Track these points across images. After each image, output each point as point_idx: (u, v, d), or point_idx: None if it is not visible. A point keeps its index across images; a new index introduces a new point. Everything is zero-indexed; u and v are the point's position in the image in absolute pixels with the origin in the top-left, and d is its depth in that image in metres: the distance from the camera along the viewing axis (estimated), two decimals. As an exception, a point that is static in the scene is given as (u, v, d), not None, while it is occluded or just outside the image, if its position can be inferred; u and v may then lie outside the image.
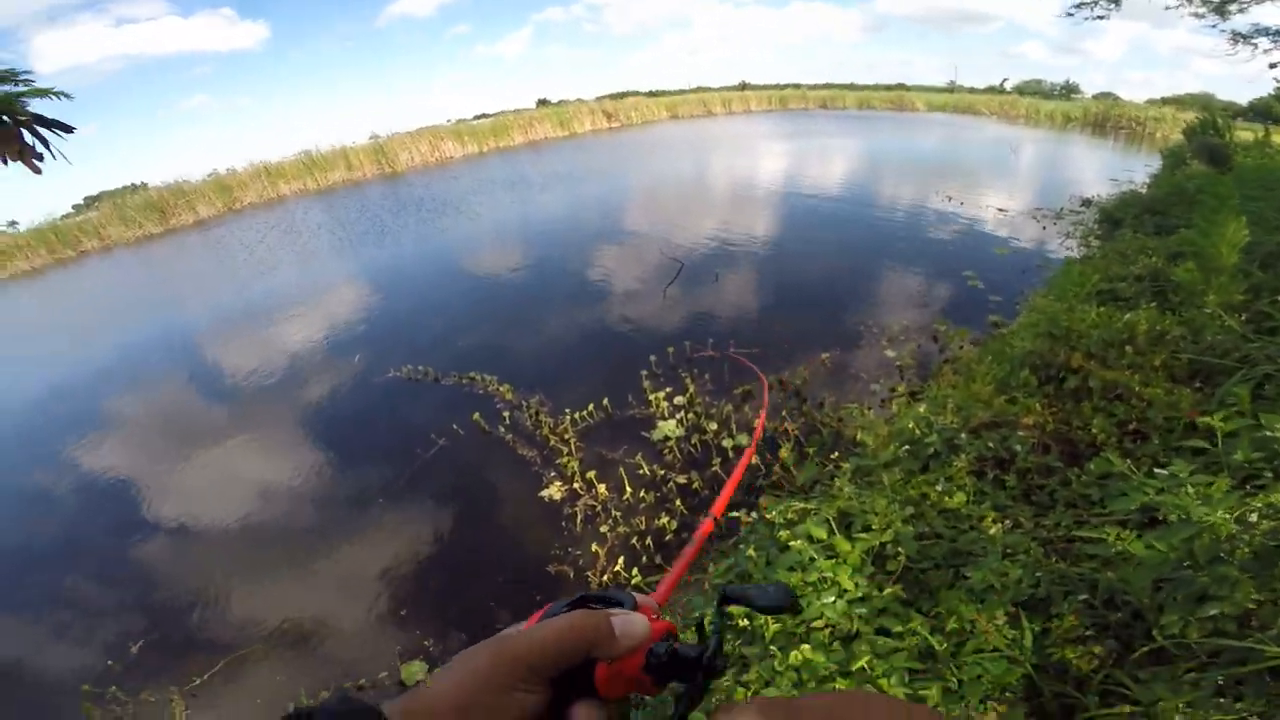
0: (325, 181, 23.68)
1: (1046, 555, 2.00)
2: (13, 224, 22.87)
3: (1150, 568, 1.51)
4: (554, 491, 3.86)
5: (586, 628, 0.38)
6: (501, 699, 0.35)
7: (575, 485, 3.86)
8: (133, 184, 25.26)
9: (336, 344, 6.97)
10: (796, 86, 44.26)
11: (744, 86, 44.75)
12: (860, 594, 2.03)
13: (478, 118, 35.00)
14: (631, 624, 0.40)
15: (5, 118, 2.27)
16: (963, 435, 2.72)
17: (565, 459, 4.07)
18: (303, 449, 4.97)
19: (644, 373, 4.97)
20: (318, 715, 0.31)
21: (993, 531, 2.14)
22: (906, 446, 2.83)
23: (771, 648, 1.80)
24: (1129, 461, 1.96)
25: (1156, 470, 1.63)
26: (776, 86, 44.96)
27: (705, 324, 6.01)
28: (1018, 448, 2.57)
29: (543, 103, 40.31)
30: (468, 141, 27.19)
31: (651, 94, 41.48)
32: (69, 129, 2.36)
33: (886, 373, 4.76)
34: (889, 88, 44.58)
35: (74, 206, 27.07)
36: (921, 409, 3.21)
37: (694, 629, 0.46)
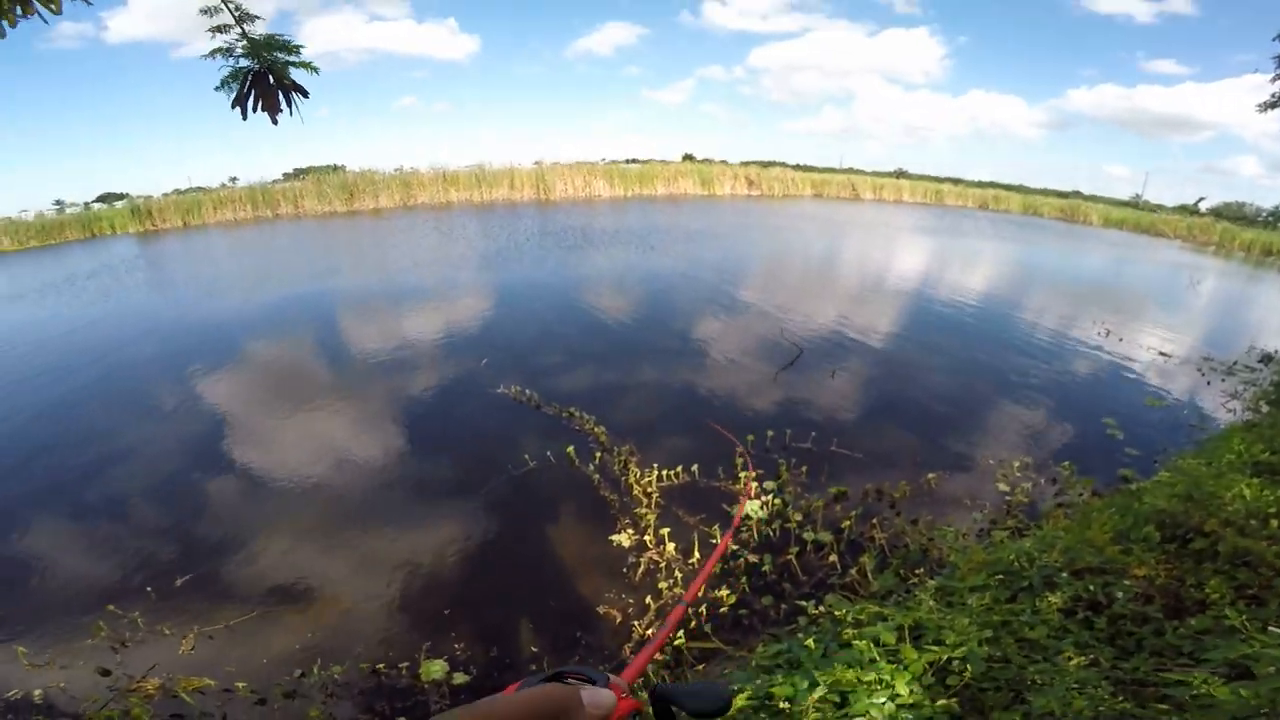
0: (489, 196, 26.33)
1: (1115, 694, 1.87)
2: (233, 179, 28.01)
3: (1225, 713, 1.49)
4: (624, 538, 3.98)
5: (558, 696, 0.43)
6: None
7: (646, 538, 3.96)
8: (334, 164, 29.77)
9: (464, 343, 7.85)
10: (956, 181, 42.28)
11: (900, 174, 43.42)
12: (912, 700, 2.01)
13: (629, 161, 36.96)
14: (599, 696, 0.46)
15: (272, 78, 2.98)
16: (1063, 574, 2.62)
17: (643, 510, 4.20)
18: (408, 431, 5.55)
19: (739, 449, 5.00)
20: None
21: (1072, 664, 2.04)
22: (1000, 575, 2.75)
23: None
24: (1243, 618, 1.88)
25: (1270, 629, 1.69)
26: (934, 179, 43.24)
27: (811, 415, 5.89)
28: (1119, 594, 2.43)
29: (688, 158, 41.53)
30: (616, 184, 29.16)
31: (798, 167, 40.84)
32: (306, 94, 3.06)
33: (993, 505, 4.45)
34: (1062, 194, 41.30)
35: (284, 175, 32.17)
36: (1026, 544, 3.06)
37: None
